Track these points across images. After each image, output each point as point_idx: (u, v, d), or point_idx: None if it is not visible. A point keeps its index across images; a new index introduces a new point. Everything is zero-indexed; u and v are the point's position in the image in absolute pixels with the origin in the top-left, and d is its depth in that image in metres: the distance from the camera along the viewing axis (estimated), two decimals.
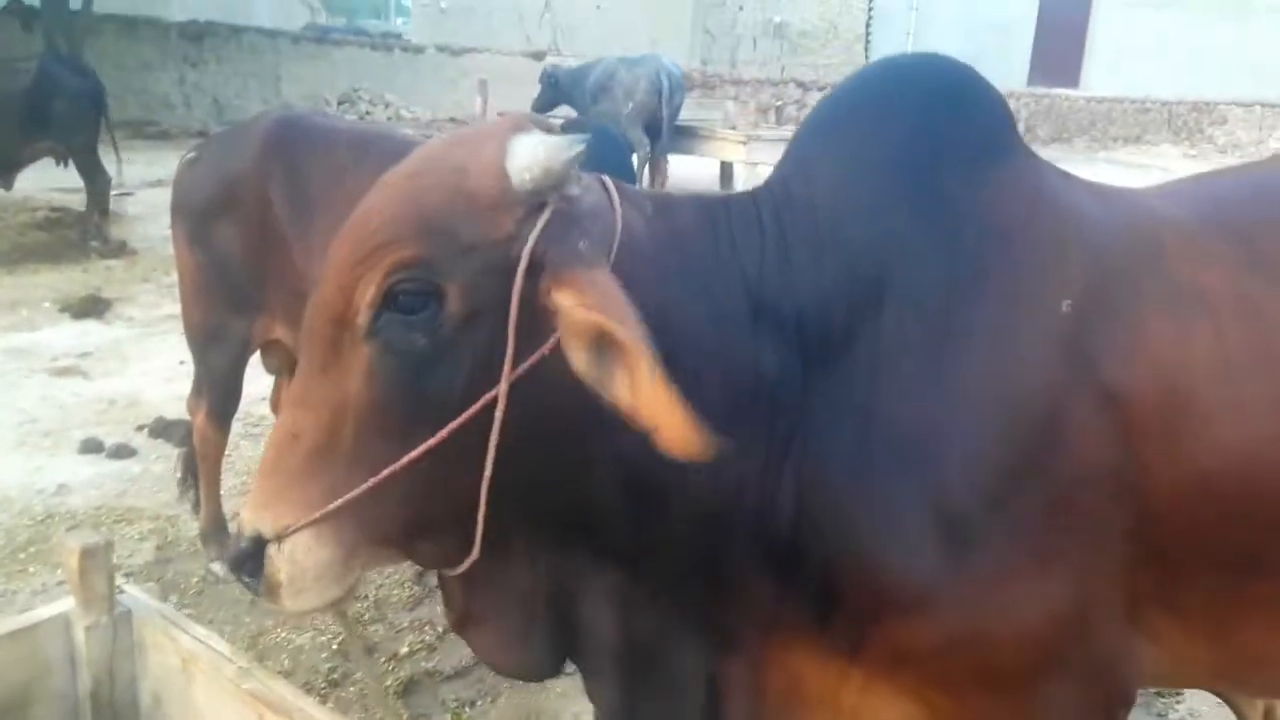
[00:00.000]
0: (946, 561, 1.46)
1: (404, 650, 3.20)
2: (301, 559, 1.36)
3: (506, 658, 1.68)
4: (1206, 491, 1.50)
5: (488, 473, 1.35)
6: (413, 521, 1.41)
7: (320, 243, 2.66)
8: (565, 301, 1.30)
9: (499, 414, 1.33)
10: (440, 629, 3.26)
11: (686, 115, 11.41)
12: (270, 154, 3.16)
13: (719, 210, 1.56)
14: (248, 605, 3.35)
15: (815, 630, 1.55)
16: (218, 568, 3.55)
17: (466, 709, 2.95)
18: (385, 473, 1.33)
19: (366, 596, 3.43)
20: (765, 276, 1.50)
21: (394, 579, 3.55)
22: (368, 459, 1.34)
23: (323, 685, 3.00)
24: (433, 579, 3.35)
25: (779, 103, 15.10)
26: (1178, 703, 2.95)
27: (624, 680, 1.64)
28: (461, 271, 1.33)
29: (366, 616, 3.35)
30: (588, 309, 1.28)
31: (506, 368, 1.33)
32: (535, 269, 1.33)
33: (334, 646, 3.17)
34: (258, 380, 3.79)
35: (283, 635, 3.24)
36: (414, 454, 1.33)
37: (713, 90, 17.39)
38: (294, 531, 1.35)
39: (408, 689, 3.03)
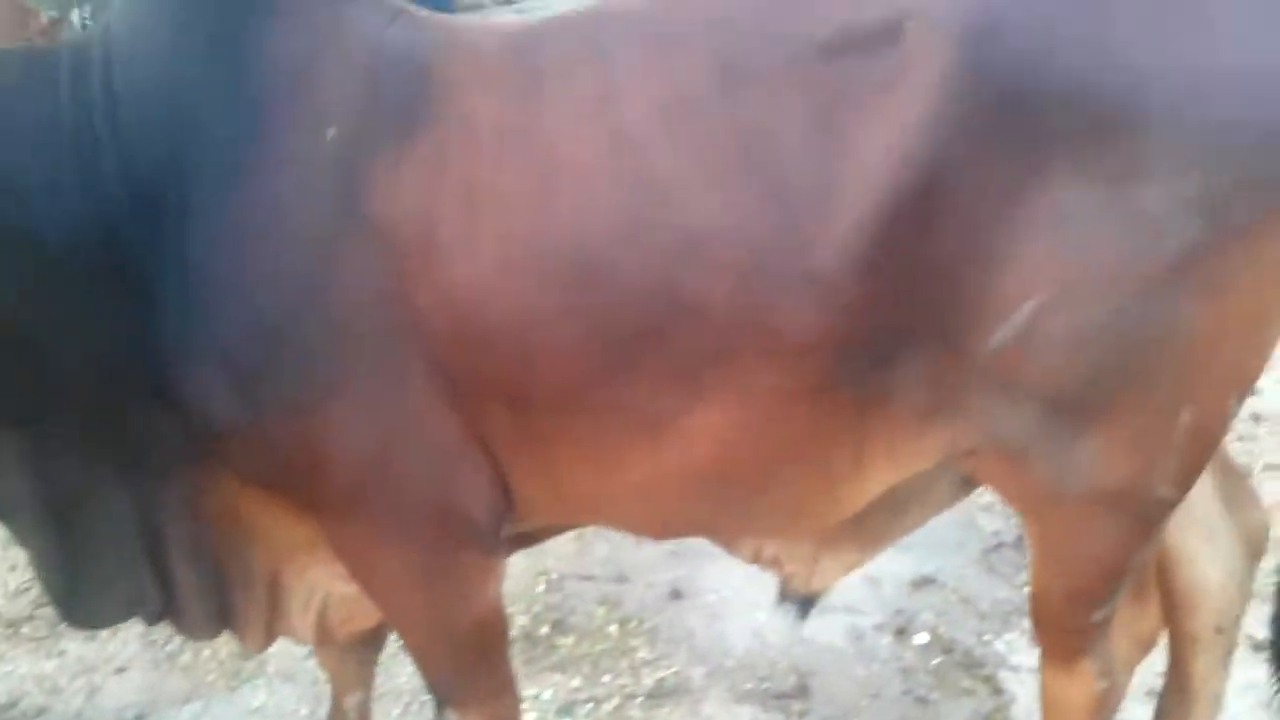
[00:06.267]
0: (241, 403, 1.53)
1: None
2: None
3: None
4: (461, 324, 1.50)
5: None
6: None
7: None
8: None
9: None
10: None
11: None
12: None
13: (57, 62, 1.53)
14: None
15: (217, 459, 1.62)
16: None
17: None
18: None
19: None
20: (98, 139, 1.50)
21: None
22: None
23: None
24: None
25: None
26: None
27: (50, 526, 1.68)
28: None
29: None
30: None
31: None
32: None
33: None
34: None
35: None
36: None
37: None
38: None
39: None
